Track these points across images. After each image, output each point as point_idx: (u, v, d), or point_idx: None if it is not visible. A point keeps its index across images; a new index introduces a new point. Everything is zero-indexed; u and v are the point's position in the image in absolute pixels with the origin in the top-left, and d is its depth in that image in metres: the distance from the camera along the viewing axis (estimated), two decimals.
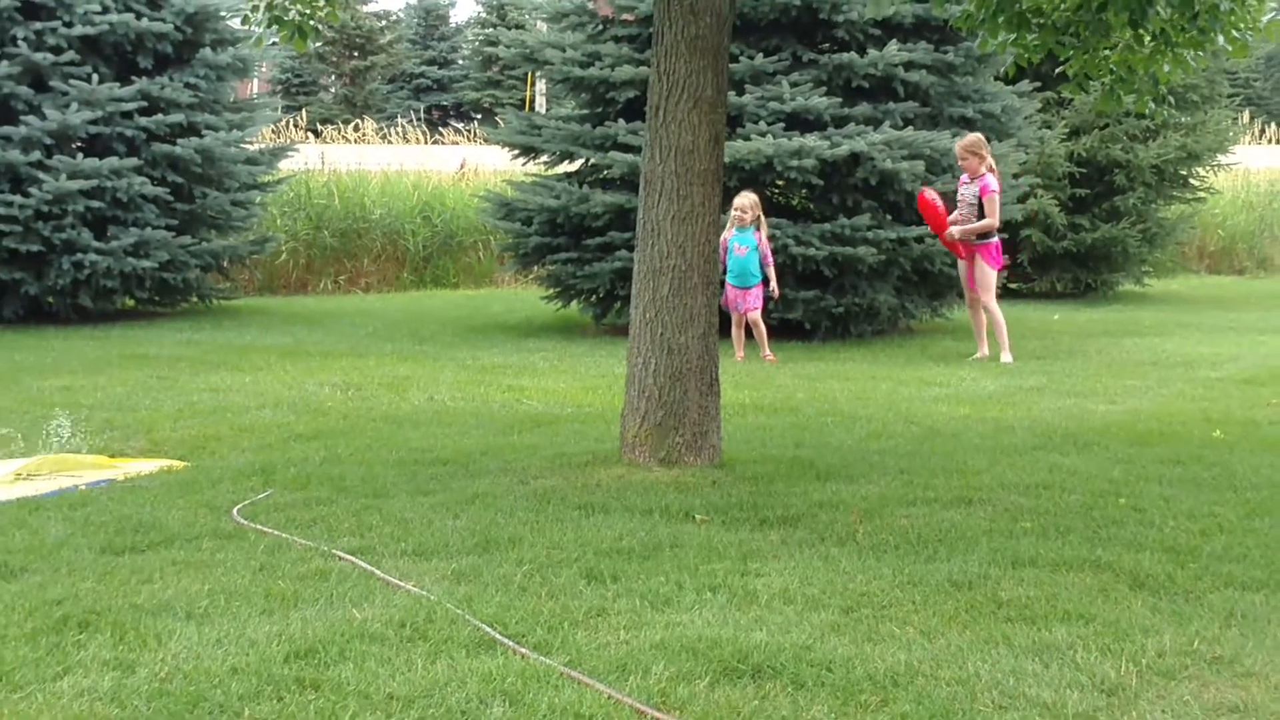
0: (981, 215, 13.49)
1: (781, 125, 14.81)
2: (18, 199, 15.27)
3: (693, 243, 7.70)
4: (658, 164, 7.72)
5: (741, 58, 15.04)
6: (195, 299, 17.61)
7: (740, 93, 14.97)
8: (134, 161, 15.87)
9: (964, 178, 13.78)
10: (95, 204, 15.63)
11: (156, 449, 8.68)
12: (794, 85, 15.12)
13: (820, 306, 14.84)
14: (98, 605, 5.25)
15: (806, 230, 14.71)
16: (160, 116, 16.14)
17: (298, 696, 4.39)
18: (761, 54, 15.26)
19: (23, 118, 15.55)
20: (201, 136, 16.50)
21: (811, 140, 14.53)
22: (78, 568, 5.81)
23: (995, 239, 13.72)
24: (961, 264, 13.95)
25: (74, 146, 15.93)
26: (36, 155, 15.47)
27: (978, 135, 13.98)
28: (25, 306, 15.97)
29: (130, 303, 17.19)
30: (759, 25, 15.27)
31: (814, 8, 15.15)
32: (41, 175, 15.39)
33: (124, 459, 8.35)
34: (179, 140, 16.27)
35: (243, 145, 17.57)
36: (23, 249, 15.42)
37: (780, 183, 15.17)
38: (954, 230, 13.56)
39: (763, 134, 14.60)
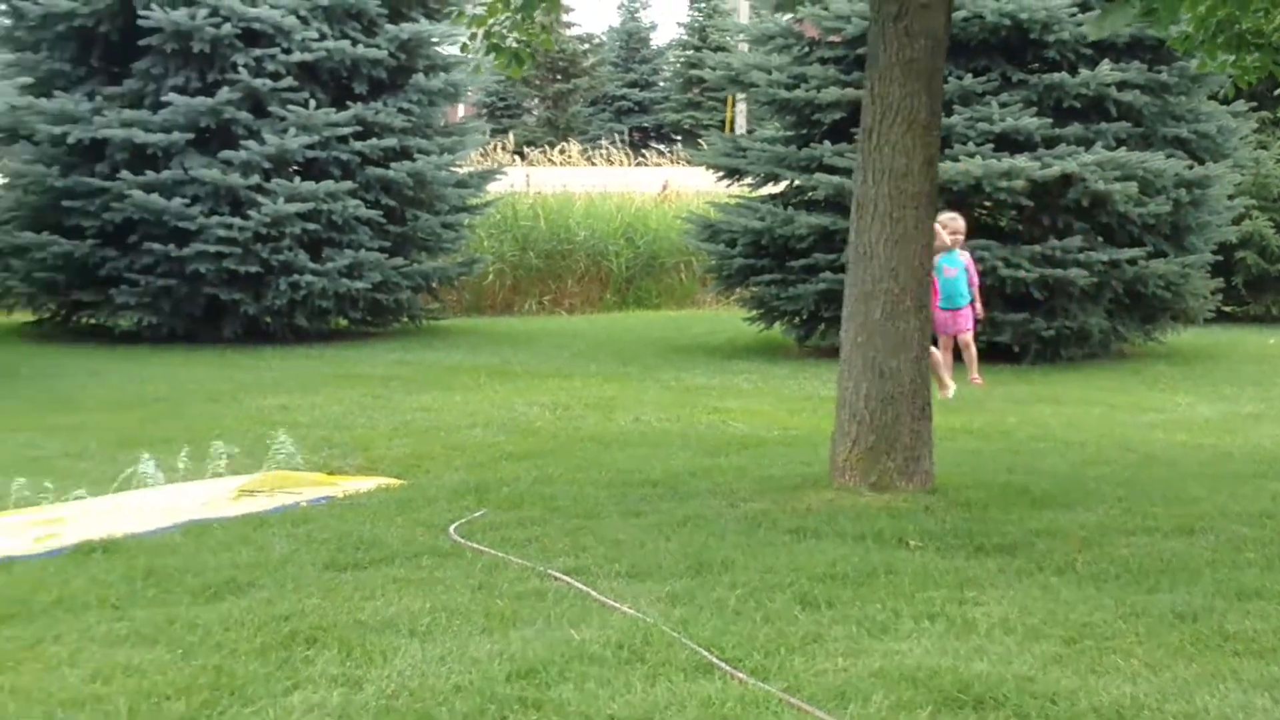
0: None
1: (991, 146, 14.67)
2: (237, 221, 15.69)
3: (906, 266, 7.66)
4: (870, 187, 7.69)
5: (950, 78, 14.91)
6: (405, 319, 17.94)
7: (949, 113, 14.84)
8: (349, 185, 16.22)
9: None
10: (311, 226, 16.01)
11: (373, 467, 8.85)
12: (1003, 105, 14.96)
13: (1029, 329, 14.65)
14: (324, 621, 5.36)
15: (1016, 252, 14.54)
16: (374, 141, 16.48)
17: (520, 716, 4.44)
18: (971, 74, 15.13)
19: (243, 142, 15.99)
20: (414, 160, 16.82)
21: (1021, 161, 14.37)
22: (303, 584, 5.94)
23: None
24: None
25: (291, 170, 16.33)
26: (255, 179, 15.90)
27: None
28: (244, 326, 16.39)
29: (343, 323, 17.56)
30: (968, 46, 15.13)
31: (1024, 27, 14.97)
32: (260, 198, 15.81)
33: (342, 476, 8.52)
34: (392, 164, 16.61)
35: (453, 169, 17.87)
36: (242, 270, 15.84)
37: (988, 204, 15.01)
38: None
39: (971, 155, 14.46)
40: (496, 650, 4.99)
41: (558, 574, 6.04)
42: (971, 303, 13.42)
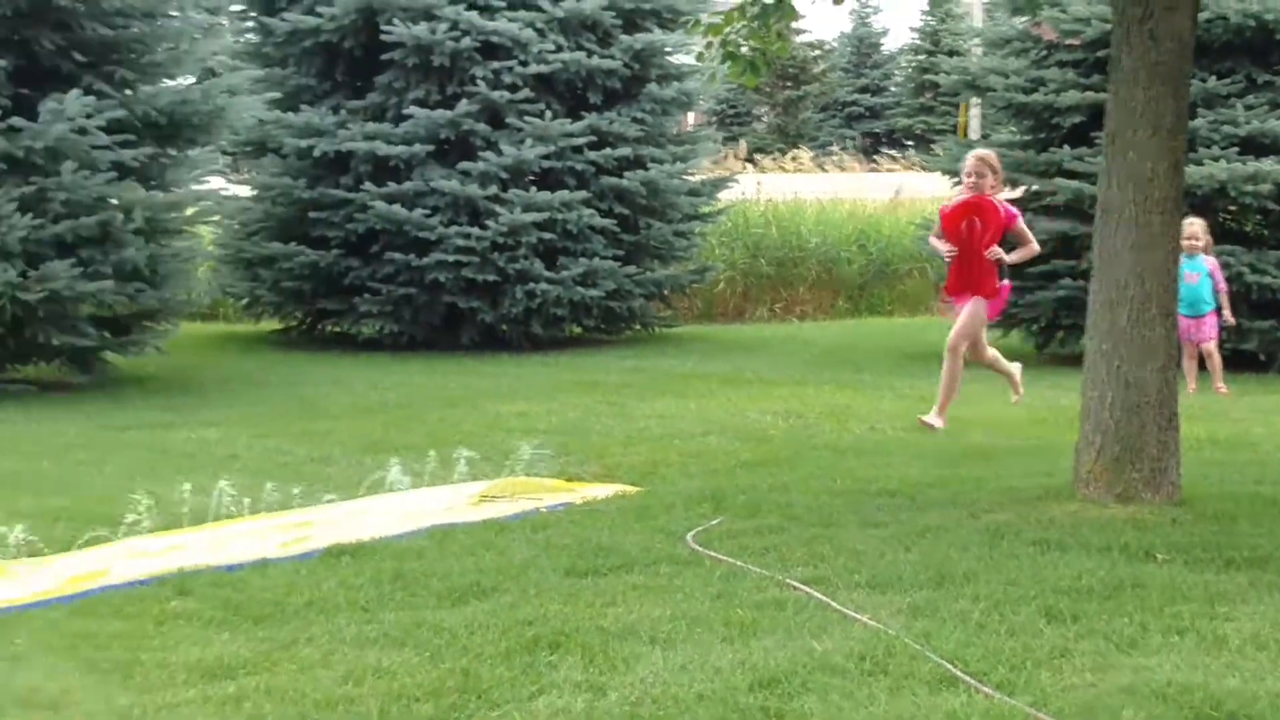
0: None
1: (1236, 149, 14.30)
2: (475, 231, 15.97)
3: (1152, 272, 7.50)
4: (1115, 192, 7.55)
5: (1194, 80, 14.54)
6: (638, 327, 18.08)
7: (1193, 116, 14.48)
8: (583, 194, 16.41)
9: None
10: (547, 235, 16.22)
11: (610, 474, 8.93)
12: (1249, 108, 14.57)
13: (1277, 337, 14.23)
14: (566, 627, 5.43)
15: (1262, 257, 14.16)
16: (608, 150, 16.64)
17: None
18: (1214, 76, 14.76)
19: (481, 154, 16.26)
20: (647, 169, 16.95)
21: (1268, 164, 13.98)
22: (544, 589, 6.03)
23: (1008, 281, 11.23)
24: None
25: (527, 180, 16.55)
26: (493, 189, 16.15)
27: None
28: (481, 333, 16.67)
29: (577, 330, 17.75)
30: (1212, 47, 14.74)
31: (1270, 28, 14.56)
32: (498, 208, 16.07)
33: (580, 483, 8.61)
34: (625, 173, 16.75)
35: (685, 177, 17.97)
36: (479, 279, 16.12)
37: (1233, 208, 14.63)
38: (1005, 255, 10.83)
39: (1216, 158, 14.11)
40: (738, 660, 5.01)
41: (797, 583, 6.03)
42: (1218, 310, 13.09)
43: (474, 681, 4.87)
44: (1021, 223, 10.92)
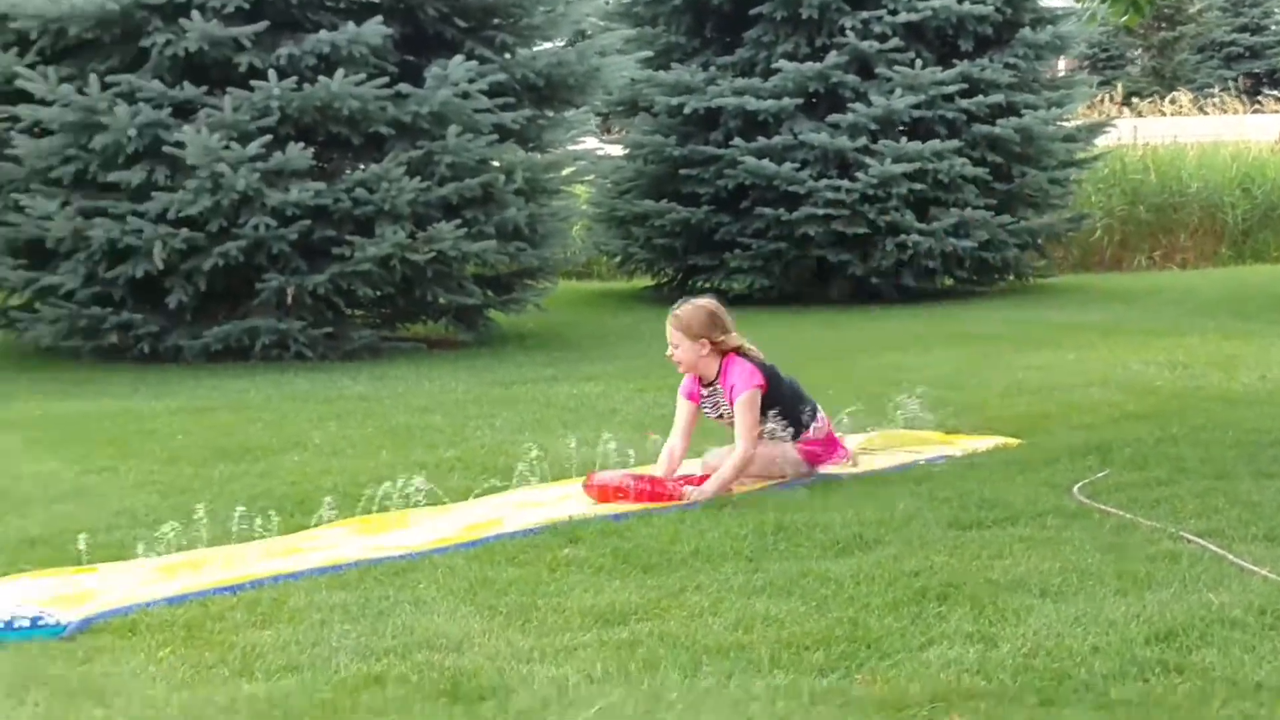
0: None
1: None
2: (845, 183, 15.95)
3: None
4: None
5: None
6: (1012, 277, 17.79)
7: None
8: (954, 143, 16.21)
9: (692, 385, 7.67)
10: (917, 186, 16.09)
11: (989, 426, 8.81)
12: None
13: None
14: (953, 579, 5.39)
15: None
16: (980, 98, 16.41)
17: (1162, 680, 4.34)
18: None
19: (850, 105, 16.22)
20: (1020, 116, 16.64)
21: None
22: (928, 541, 5.99)
23: (819, 423, 7.53)
24: None
25: (897, 130, 16.43)
26: (863, 141, 16.10)
27: (704, 306, 7.60)
28: (850, 286, 16.65)
29: (949, 282, 17.56)
30: None
31: None
32: (867, 160, 16.01)
33: (959, 435, 8.53)
34: (998, 121, 16.48)
35: (1060, 123, 17.58)
36: (849, 232, 16.10)
37: None
38: (698, 491, 7.04)
39: None
40: (1132, 612, 4.90)
41: (1190, 536, 5.87)
42: None
43: (863, 631, 4.87)
44: (743, 404, 7.28)
